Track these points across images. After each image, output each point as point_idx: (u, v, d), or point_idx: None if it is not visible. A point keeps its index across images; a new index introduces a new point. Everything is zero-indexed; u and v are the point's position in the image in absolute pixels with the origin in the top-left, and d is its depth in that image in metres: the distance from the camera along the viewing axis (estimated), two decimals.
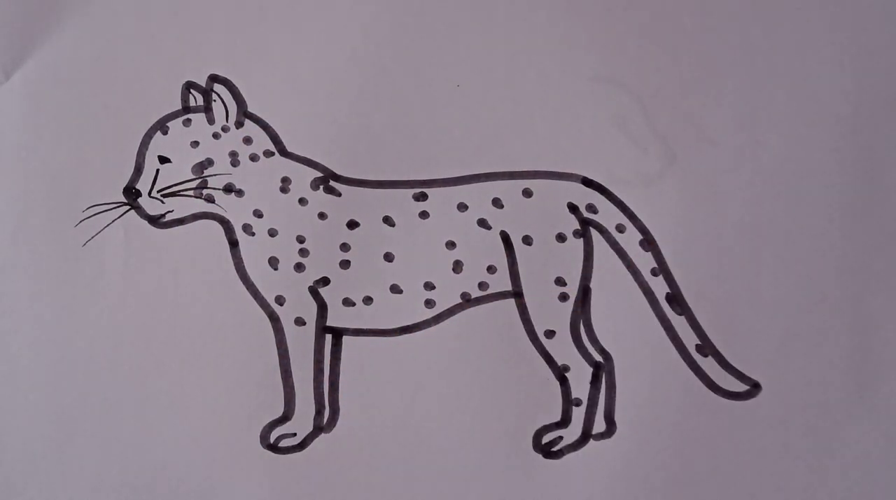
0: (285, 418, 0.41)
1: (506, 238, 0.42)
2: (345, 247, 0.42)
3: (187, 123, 0.43)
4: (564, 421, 0.42)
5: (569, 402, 0.42)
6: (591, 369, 0.42)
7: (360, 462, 0.41)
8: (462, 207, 0.42)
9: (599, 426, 0.42)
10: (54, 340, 0.42)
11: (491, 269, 0.42)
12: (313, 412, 0.42)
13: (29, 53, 0.43)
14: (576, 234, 0.42)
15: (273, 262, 0.42)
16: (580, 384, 0.42)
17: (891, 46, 0.42)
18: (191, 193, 0.42)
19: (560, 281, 0.42)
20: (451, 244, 0.42)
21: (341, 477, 0.41)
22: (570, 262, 0.42)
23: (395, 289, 0.42)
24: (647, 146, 0.42)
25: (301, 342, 0.42)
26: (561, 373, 0.42)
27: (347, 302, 0.42)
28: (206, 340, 0.42)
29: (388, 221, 0.42)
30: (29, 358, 0.42)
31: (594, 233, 0.42)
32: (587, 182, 0.42)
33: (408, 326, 0.42)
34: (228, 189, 0.42)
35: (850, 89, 0.42)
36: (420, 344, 0.42)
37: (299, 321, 0.42)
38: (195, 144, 0.43)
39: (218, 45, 0.43)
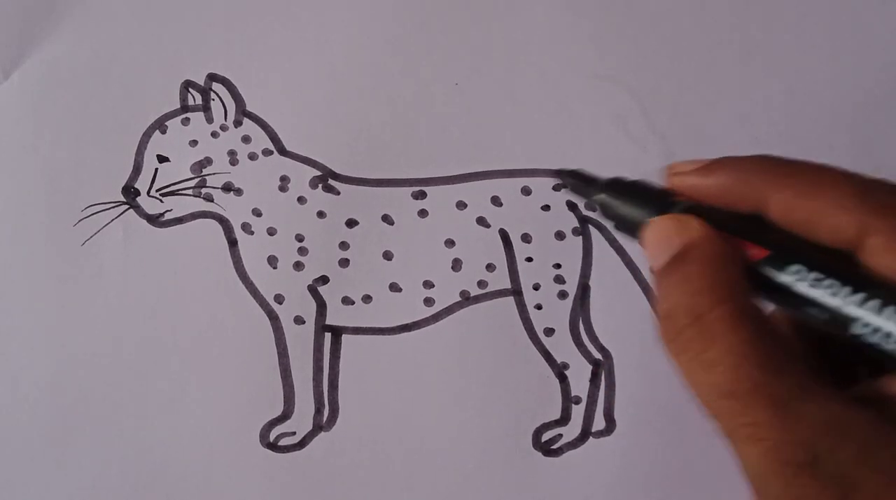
0: (285, 416, 0.41)
1: (505, 236, 0.42)
2: (344, 245, 0.42)
3: (186, 122, 0.43)
4: (564, 419, 0.42)
5: (568, 400, 0.42)
6: (590, 367, 0.42)
7: (359, 461, 0.41)
8: (461, 205, 0.42)
9: (599, 423, 0.42)
10: (53, 339, 0.42)
11: (490, 267, 0.42)
12: (313, 411, 0.42)
13: (27, 53, 0.43)
14: (575, 232, 0.42)
15: (272, 260, 0.42)
16: (580, 382, 0.42)
17: (889, 44, 0.42)
18: (190, 192, 0.42)
19: (559, 279, 0.42)
20: (450, 242, 0.42)
21: (341, 476, 0.41)
22: (569, 260, 0.42)
23: (395, 287, 0.42)
24: (646, 144, 0.42)
25: (300, 341, 0.42)
26: (560, 371, 0.42)
27: (346, 300, 0.42)
28: (205, 339, 0.42)
29: (387, 219, 0.42)
30: (28, 358, 0.42)
31: (593, 231, 0.42)
32: None
33: (407, 324, 0.42)
34: (227, 188, 0.42)
35: (848, 87, 0.42)
36: (419, 342, 0.42)
37: (298, 320, 0.42)
38: (194, 143, 0.43)
39: (216, 44, 0.43)
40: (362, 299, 0.42)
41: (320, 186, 0.42)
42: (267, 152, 0.42)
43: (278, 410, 0.41)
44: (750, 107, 0.42)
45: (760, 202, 0.25)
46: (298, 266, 0.42)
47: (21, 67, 0.43)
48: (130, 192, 0.43)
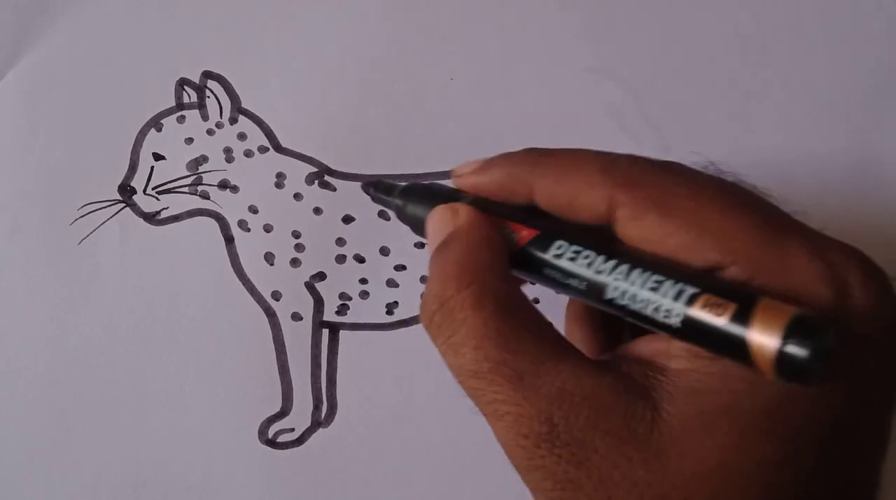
0: (283, 413, 0.41)
1: None
2: (340, 242, 0.42)
3: (181, 119, 0.43)
4: None
5: None
6: None
7: (358, 457, 0.41)
8: None
9: None
10: (51, 338, 0.42)
11: None
12: (311, 407, 0.42)
13: (23, 52, 0.43)
14: None
15: (269, 257, 0.42)
16: None
17: (885, 36, 0.42)
18: (186, 189, 0.42)
19: None
20: None
21: (339, 472, 0.41)
22: None
23: (391, 283, 0.42)
24: (642, 137, 0.42)
25: (298, 337, 0.42)
26: None
27: (344, 296, 0.42)
28: (202, 336, 0.42)
29: (383, 215, 0.42)
30: (26, 357, 0.42)
31: None
32: None
33: (405, 319, 0.42)
34: (223, 185, 0.42)
35: (844, 78, 0.42)
36: (417, 338, 0.42)
37: (296, 316, 0.42)
38: (189, 140, 0.43)
39: (211, 42, 0.43)
40: (359, 295, 0.42)
41: (316, 182, 0.42)
42: (263, 149, 0.43)
43: (277, 406, 0.41)
44: (745, 98, 0.42)
45: (529, 193, 0.26)
46: (295, 263, 0.42)
47: (16, 67, 0.43)
48: (127, 190, 0.43)
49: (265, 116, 0.43)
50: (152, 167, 0.42)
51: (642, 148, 0.42)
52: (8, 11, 0.43)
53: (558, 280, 0.24)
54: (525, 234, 0.25)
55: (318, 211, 0.42)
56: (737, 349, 0.20)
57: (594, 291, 0.23)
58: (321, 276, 0.42)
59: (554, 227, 0.25)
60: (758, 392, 0.21)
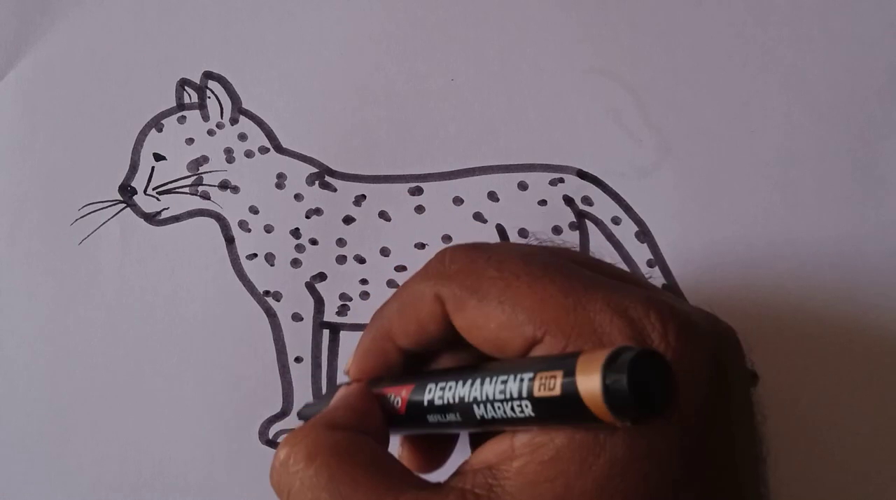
0: (283, 413, 0.41)
1: (501, 231, 0.42)
2: (341, 242, 0.42)
3: (182, 120, 0.43)
4: None
5: None
6: None
7: None
8: (457, 200, 0.42)
9: None
10: (51, 338, 0.42)
11: None
12: None
13: (23, 52, 0.43)
14: (572, 226, 0.42)
15: (269, 258, 0.42)
16: None
17: (885, 36, 0.42)
18: (186, 190, 0.42)
19: None
20: (447, 238, 0.42)
21: None
22: None
23: (392, 284, 0.42)
24: (642, 138, 0.42)
25: (298, 338, 0.42)
26: None
27: (344, 297, 0.42)
28: (203, 336, 0.42)
29: (383, 215, 0.42)
30: (26, 357, 0.42)
31: (590, 225, 0.42)
32: (582, 174, 0.42)
33: None
34: (224, 186, 0.42)
35: (844, 79, 0.42)
36: None
37: (296, 317, 0.42)
38: (190, 141, 0.43)
39: (212, 42, 0.43)
40: (360, 295, 0.42)
41: (317, 182, 0.42)
42: (263, 150, 0.43)
43: (277, 407, 0.41)
44: (745, 99, 0.42)
45: (397, 344, 0.29)
46: (296, 263, 0.42)
47: (17, 67, 0.43)
48: (127, 190, 0.43)
49: (266, 116, 0.43)
50: (153, 167, 0.42)
51: (642, 148, 0.42)
52: (8, 11, 0.43)
53: (441, 422, 0.25)
54: (405, 393, 0.26)
55: (318, 211, 0.42)
56: (580, 409, 0.21)
57: (468, 417, 0.24)
58: (322, 276, 0.42)
59: (424, 376, 0.26)
60: (587, 470, 0.21)
